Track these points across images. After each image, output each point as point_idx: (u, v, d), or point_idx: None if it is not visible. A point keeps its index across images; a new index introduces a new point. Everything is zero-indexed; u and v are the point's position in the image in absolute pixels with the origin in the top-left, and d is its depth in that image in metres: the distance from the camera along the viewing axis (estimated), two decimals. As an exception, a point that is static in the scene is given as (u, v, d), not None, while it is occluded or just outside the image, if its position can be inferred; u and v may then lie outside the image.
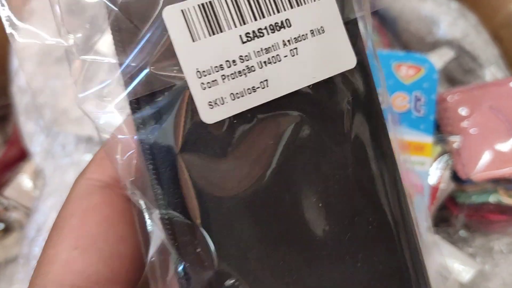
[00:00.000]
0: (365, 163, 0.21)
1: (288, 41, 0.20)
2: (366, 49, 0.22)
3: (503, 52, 0.57)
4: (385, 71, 0.44)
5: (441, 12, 0.55)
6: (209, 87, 0.19)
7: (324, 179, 0.20)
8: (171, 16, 0.18)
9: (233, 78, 0.19)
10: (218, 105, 0.19)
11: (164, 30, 0.18)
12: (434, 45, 0.56)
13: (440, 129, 0.46)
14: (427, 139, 0.43)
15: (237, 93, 0.19)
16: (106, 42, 0.19)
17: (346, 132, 0.21)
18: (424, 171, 0.43)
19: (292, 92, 0.20)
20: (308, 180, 0.20)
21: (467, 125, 0.44)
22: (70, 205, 0.21)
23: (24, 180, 0.55)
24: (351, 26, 0.21)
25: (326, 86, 0.20)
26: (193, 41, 0.19)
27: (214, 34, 0.19)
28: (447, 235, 0.45)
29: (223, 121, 0.19)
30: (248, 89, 0.19)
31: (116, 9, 0.19)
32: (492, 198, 0.43)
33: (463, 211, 0.44)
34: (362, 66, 0.21)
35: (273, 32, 0.20)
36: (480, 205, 0.44)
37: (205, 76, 0.19)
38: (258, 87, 0.19)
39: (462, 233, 0.46)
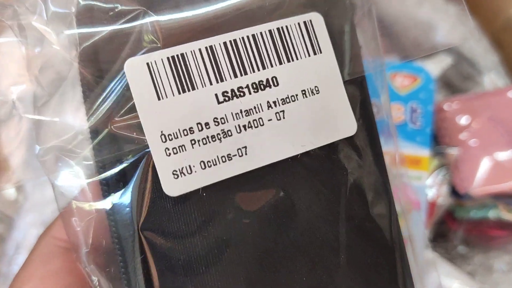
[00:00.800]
0: (362, 249, 0.18)
1: (274, 102, 0.17)
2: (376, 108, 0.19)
3: (503, 57, 0.56)
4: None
5: (438, 17, 0.54)
6: (175, 153, 0.16)
7: (311, 268, 0.17)
8: (134, 69, 0.16)
9: (205, 144, 0.16)
10: (185, 175, 0.16)
11: (127, 84, 0.16)
12: (432, 51, 0.54)
13: (437, 140, 0.44)
14: (424, 152, 0.41)
15: (208, 161, 0.16)
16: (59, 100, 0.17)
17: (339, 214, 0.18)
18: (421, 186, 0.41)
19: (276, 162, 0.17)
20: (292, 271, 0.17)
21: (465, 137, 0.43)
22: (29, 267, 0.19)
23: (8, 190, 0.54)
24: (355, 85, 0.19)
25: (318, 156, 0.18)
26: (159, 99, 0.16)
27: (184, 92, 0.16)
28: (445, 251, 0.43)
29: (190, 194, 0.16)
30: (223, 156, 0.17)
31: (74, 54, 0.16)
32: (491, 214, 0.42)
33: (462, 227, 0.42)
34: (366, 132, 0.19)
35: (256, 92, 0.17)
36: (480, 220, 0.42)
37: (171, 140, 0.16)
38: (235, 155, 0.17)
39: (461, 249, 0.44)
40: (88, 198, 0.17)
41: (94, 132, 0.16)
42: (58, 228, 0.20)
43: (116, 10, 0.16)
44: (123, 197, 0.16)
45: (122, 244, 0.17)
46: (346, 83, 0.18)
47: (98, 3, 0.16)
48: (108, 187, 0.17)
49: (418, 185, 0.41)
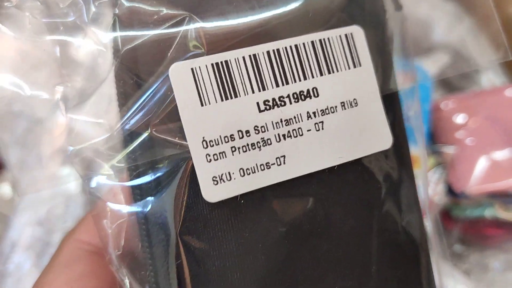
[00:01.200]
0: (393, 262, 0.18)
1: (314, 113, 0.17)
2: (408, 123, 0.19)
3: (501, 56, 0.55)
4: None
5: (436, 15, 0.53)
6: (216, 160, 0.16)
7: (344, 280, 0.17)
8: (178, 74, 0.16)
9: (245, 151, 0.16)
10: (224, 182, 0.16)
11: (170, 88, 0.16)
12: (430, 49, 0.54)
13: (434, 139, 0.44)
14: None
15: (247, 169, 0.16)
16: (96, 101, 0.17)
17: (372, 227, 0.18)
18: (417, 185, 0.41)
19: (313, 172, 0.17)
20: (324, 282, 0.17)
21: (462, 136, 0.43)
22: (52, 271, 0.19)
23: (4, 189, 0.54)
24: (390, 100, 0.18)
25: (354, 168, 0.18)
26: (202, 105, 0.16)
27: (227, 99, 0.16)
28: (441, 249, 0.43)
29: (228, 200, 0.16)
30: (262, 165, 0.17)
31: (118, 58, 0.16)
32: (488, 213, 0.41)
33: (458, 226, 0.42)
34: (400, 146, 0.19)
35: (297, 102, 0.17)
36: (476, 219, 0.42)
37: (212, 146, 0.16)
38: (274, 164, 0.17)
39: (457, 248, 0.44)
40: (120, 201, 0.17)
41: (131, 135, 0.16)
42: (81, 230, 0.19)
43: (161, 14, 0.16)
44: (158, 202, 0.16)
45: (155, 248, 0.17)
46: (384, 96, 0.18)
47: (143, 6, 0.16)
48: (141, 191, 0.17)
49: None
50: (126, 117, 0.16)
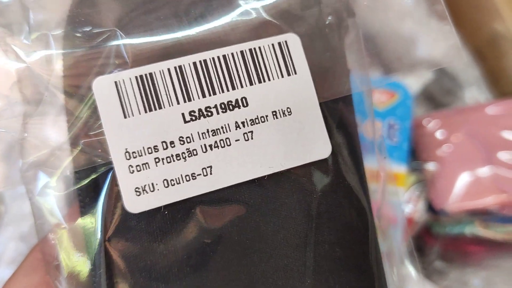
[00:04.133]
0: (331, 275, 0.17)
1: (242, 123, 0.17)
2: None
3: (486, 72, 0.56)
4: (358, 97, 0.42)
5: (421, 31, 0.54)
6: (138, 171, 0.16)
7: None
8: (102, 87, 0.16)
9: (169, 162, 0.16)
10: (148, 192, 0.16)
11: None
12: (414, 65, 0.55)
13: (415, 155, 0.45)
14: (401, 168, 0.42)
15: (172, 180, 0.16)
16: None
17: (307, 239, 0.17)
18: (397, 202, 0.41)
19: (242, 182, 0.17)
20: None
21: (443, 153, 0.43)
22: (13, 279, 0.20)
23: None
24: (337, 105, 0.18)
25: (288, 178, 0.18)
26: (125, 117, 0.16)
27: (151, 110, 0.17)
28: (422, 266, 0.44)
29: (153, 211, 0.17)
30: (187, 175, 0.17)
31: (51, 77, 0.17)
32: (468, 230, 0.42)
33: (438, 242, 0.43)
34: (345, 153, 0.18)
35: (224, 112, 0.17)
36: (456, 236, 0.42)
37: (134, 158, 0.16)
38: (200, 174, 0.17)
39: (438, 264, 0.44)
40: (65, 212, 0.17)
41: (72, 147, 0.17)
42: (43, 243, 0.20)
43: (92, 31, 0.17)
44: (93, 210, 0.17)
45: (90, 255, 0.17)
46: (327, 103, 0.18)
47: (77, 26, 0.17)
48: (83, 200, 0.17)
49: (395, 201, 0.41)
50: (68, 130, 0.17)
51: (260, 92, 0.17)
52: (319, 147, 0.18)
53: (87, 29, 0.17)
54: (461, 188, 0.41)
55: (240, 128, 0.17)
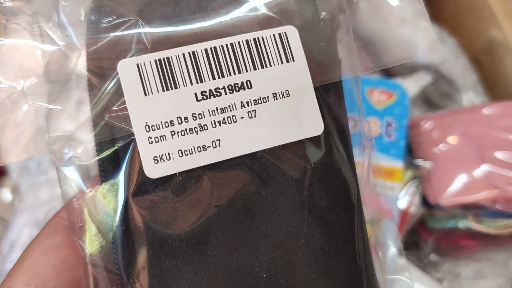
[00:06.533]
0: (322, 236, 0.20)
1: (247, 102, 0.19)
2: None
3: (483, 77, 0.57)
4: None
5: (420, 36, 0.56)
6: (157, 142, 0.18)
7: (273, 250, 0.19)
8: (125, 69, 0.19)
9: (183, 135, 0.19)
10: (164, 161, 0.18)
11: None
12: (413, 69, 0.57)
13: (412, 153, 0.47)
14: (398, 164, 0.44)
15: (185, 150, 0.19)
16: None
17: (302, 204, 0.20)
18: (394, 196, 0.43)
19: (246, 154, 0.19)
20: (254, 250, 0.19)
21: (438, 151, 0.45)
22: (35, 240, 0.21)
23: (4, 193, 0.56)
24: (330, 90, 0.21)
25: (285, 151, 0.20)
26: (146, 95, 0.19)
27: (168, 90, 0.19)
28: (417, 259, 0.45)
29: (168, 177, 0.19)
30: (198, 147, 0.19)
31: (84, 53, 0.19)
32: (461, 224, 0.44)
33: (433, 236, 0.45)
34: (335, 132, 0.20)
35: (232, 93, 0.19)
36: (450, 230, 0.44)
37: (153, 130, 0.18)
38: (209, 146, 0.19)
39: (433, 257, 0.46)
40: (89, 179, 0.20)
41: (95, 122, 0.19)
42: (64, 209, 0.22)
43: (116, 20, 0.19)
44: (116, 176, 0.19)
45: (112, 215, 0.19)
46: (320, 87, 0.20)
47: (103, 15, 0.19)
48: (104, 169, 0.19)
49: (391, 195, 0.43)
50: (91, 107, 0.19)
51: (262, 76, 0.20)
52: (313, 125, 0.20)
53: (111, 18, 0.19)
54: (455, 184, 0.43)
55: (245, 107, 0.19)
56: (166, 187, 0.19)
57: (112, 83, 0.19)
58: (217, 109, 0.19)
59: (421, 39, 0.48)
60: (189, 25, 0.20)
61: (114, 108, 0.19)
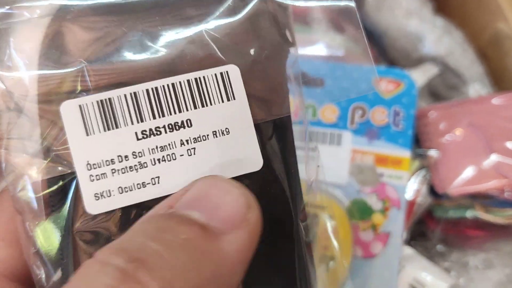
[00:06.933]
0: (260, 269, 0.20)
1: (187, 141, 0.20)
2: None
3: (489, 71, 0.57)
4: (365, 85, 0.44)
5: (426, 28, 0.56)
6: (98, 180, 0.19)
7: None
8: (68, 110, 0.19)
9: (124, 173, 0.19)
10: (105, 197, 0.19)
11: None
12: (420, 61, 0.57)
13: (419, 144, 0.46)
14: (405, 153, 0.43)
15: (125, 187, 0.19)
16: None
17: None
18: (401, 185, 0.43)
19: None
20: None
21: (446, 141, 0.45)
22: (4, 196, 0.22)
23: None
24: (275, 125, 0.21)
25: None
26: (87, 135, 0.19)
27: (109, 129, 0.19)
28: (424, 249, 0.45)
29: (109, 212, 0.19)
30: (138, 184, 0.19)
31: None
32: (469, 214, 0.43)
33: (440, 226, 0.44)
34: (277, 165, 0.21)
35: (172, 131, 0.20)
36: (457, 220, 0.44)
37: (94, 168, 0.19)
38: (149, 183, 0.20)
39: (440, 247, 0.46)
40: (39, 210, 0.20)
41: (45, 156, 0.19)
42: None
43: (61, 61, 0.20)
44: (61, 210, 0.19)
45: (59, 246, 0.19)
46: (263, 123, 0.21)
47: (49, 56, 0.20)
48: (51, 203, 0.20)
49: (399, 184, 0.43)
50: (41, 142, 0.19)
51: (203, 115, 0.20)
52: (252, 161, 0.21)
53: (57, 58, 0.20)
54: (463, 173, 0.43)
55: (184, 145, 0.20)
56: (107, 222, 0.19)
57: (57, 123, 0.19)
58: (156, 147, 0.20)
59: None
60: (130, 63, 0.20)
61: (59, 147, 0.19)
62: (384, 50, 0.59)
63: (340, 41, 0.49)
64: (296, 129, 0.22)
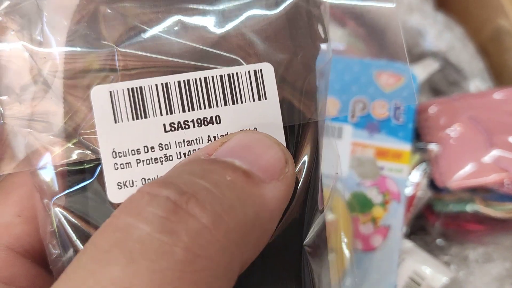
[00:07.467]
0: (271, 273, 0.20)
1: (214, 137, 0.20)
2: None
3: (489, 66, 0.57)
4: (366, 79, 0.44)
5: (427, 24, 0.56)
6: (122, 169, 0.19)
7: None
8: (98, 95, 0.19)
9: (148, 164, 0.19)
10: (127, 187, 0.19)
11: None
12: (420, 56, 0.57)
13: (420, 138, 0.46)
14: (405, 146, 0.44)
15: (149, 179, 0.19)
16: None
17: None
18: (401, 178, 0.43)
19: None
20: None
21: (446, 135, 0.45)
22: (24, 172, 0.21)
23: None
24: (304, 128, 0.20)
25: None
26: (115, 122, 0.19)
27: (138, 118, 0.19)
28: (424, 243, 0.45)
29: None
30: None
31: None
32: (469, 207, 0.43)
33: (440, 220, 0.44)
34: (302, 170, 0.20)
35: (200, 126, 0.19)
36: (457, 214, 0.44)
37: (120, 157, 0.19)
38: None
39: (440, 241, 0.46)
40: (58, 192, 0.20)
41: (68, 137, 0.19)
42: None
43: (93, 44, 0.19)
44: (81, 196, 0.19)
45: (70, 233, 0.19)
46: (292, 127, 0.20)
47: (81, 38, 0.20)
48: (70, 185, 0.19)
49: (399, 177, 0.43)
50: (65, 123, 0.19)
51: (232, 112, 0.20)
52: None
53: (89, 39, 0.19)
54: (464, 167, 0.43)
55: (211, 141, 0.20)
56: None
57: (85, 105, 0.19)
58: (183, 141, 0.19)
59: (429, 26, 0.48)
60: (164, 54, 0.20)
61: (85, 131, 0.19)
62: (385, 45, 0.59)
63: (341, 35, 0.49)
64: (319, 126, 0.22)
